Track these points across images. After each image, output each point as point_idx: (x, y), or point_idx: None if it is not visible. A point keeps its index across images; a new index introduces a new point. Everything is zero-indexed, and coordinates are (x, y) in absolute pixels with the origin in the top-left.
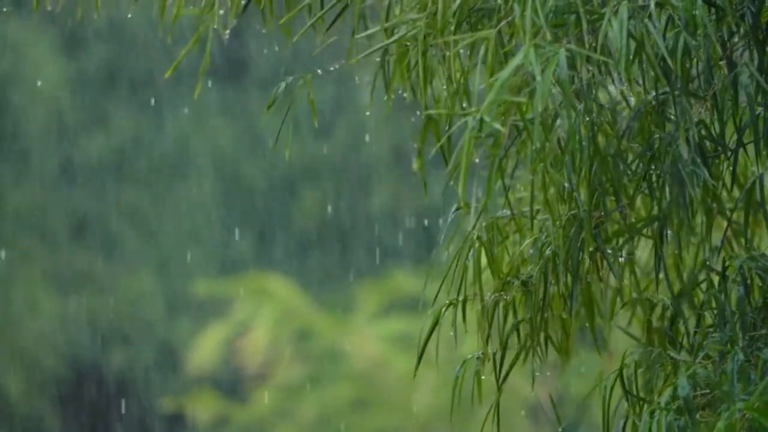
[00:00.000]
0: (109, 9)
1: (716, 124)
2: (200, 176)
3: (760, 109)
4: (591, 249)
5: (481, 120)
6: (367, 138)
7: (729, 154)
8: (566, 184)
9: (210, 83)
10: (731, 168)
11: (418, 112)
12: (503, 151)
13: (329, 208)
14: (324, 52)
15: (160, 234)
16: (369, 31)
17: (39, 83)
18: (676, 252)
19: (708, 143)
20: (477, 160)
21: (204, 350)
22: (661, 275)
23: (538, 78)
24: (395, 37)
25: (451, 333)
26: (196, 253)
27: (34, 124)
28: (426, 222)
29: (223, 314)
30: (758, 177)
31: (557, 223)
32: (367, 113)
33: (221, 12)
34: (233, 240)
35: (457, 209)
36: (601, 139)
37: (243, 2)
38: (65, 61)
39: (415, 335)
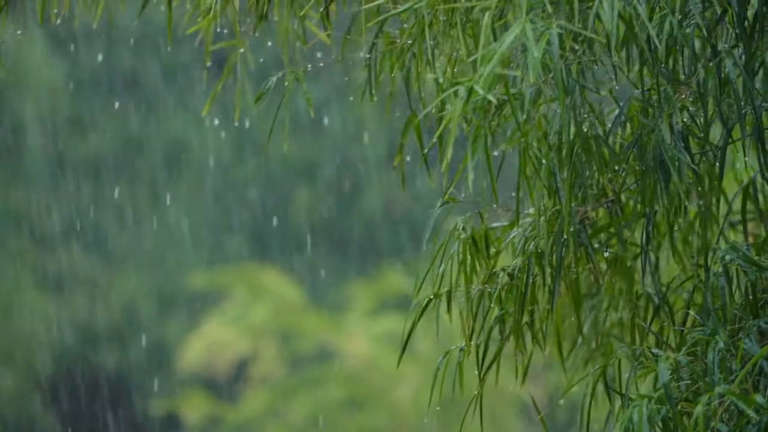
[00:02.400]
0: (104, 11)
1: (701, 119)
2: (194, 174)
3: (748, 108)
4: (573, 246)
5: (471, 89)
6: (361, 136)
7: (716, 150)
8: (544, 161)
9: (204, 80)
10: (719, 164)
11: (397, 115)
12: (487, 123)
13: (323, 206)
14: (317, 49)
15: (152, 233)
16: (376, 2)
17: (31, 82)
18: (664, 246)
19: (694, 140)
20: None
21: (195, 351)
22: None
23: (533, 50)
24: (403, 8)
25: (439, 326)
26: (189, 252)
27: (26, 123)
28: (420, 221)
29: (215, 315)
30: (751, 179)
31: (542, 218)
32: (351, 98)
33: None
34: (226, 240)
35: (444, 204)
36: (585, 122)
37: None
38: (57, 60)
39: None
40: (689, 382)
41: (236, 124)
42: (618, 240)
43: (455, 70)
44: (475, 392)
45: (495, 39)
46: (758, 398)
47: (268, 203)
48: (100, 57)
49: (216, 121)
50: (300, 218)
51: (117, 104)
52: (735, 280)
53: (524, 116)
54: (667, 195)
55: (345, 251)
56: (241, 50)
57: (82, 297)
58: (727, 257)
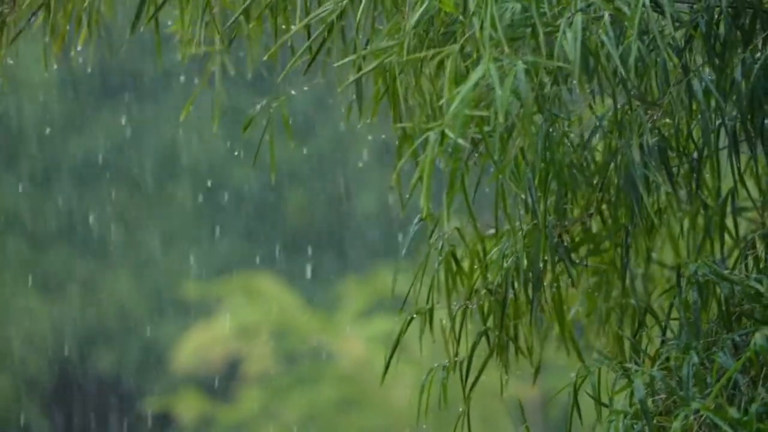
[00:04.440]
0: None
1: (679, 133)
2: (187, 177)
3: (718, 121)
4: (548, 259)
5: (443, 133)
6: (353, 138)
7: (693, 163)
8: (523, 196)
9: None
10: (701, 176)
11: (384, 136)
12: (463, 165)
13: (316, 209)
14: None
15: (146, 235)
16: (346, 59)
17: (25, 84)
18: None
19: (671, 153)
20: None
21: (190, 350)
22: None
23: (498, 90)
24: (371, 66)
25: (433, 330)
26: (184, 253)
27: (20, 125)
28: (413, 222)
29: (209, 315)
30: (731, 191)
31: (519, 233)
32: (343, 125)
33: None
34: (220, 241)
35: (420, 221)
36: (558, 149)
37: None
38: (51, 63)
39: (407, 335)
40: (665, 396)
41: (215, 129)
42: (612, 248)
43: (430, 98)
44: (471, 396)
45: (463, 80)
46: (733, 413)
47: (263, 204)
48: (96, 60)
49: (209, 125)
50: (295, 219)
51: (112, 107)
52: (713, 293)
53: (498, 154)
54: (640, 213)
55: (339, 252)
56: (213, 60)
57: (77, 298)
58: (700, 271)
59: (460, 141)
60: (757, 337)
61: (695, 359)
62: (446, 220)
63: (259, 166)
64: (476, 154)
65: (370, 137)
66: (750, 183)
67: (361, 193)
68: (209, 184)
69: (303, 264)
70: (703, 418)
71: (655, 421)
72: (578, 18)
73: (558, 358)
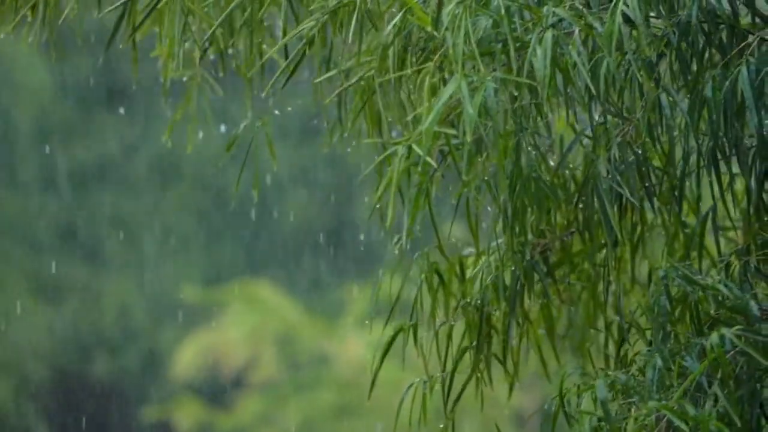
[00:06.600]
0: (93, 17)
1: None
2: (188, 183)
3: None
4: (523, 281)
5: (410, 148)
6: (352, 142)
7: (665, 178)
8: (489, 209)
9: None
10: (686, 192)
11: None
12: (428, 180)
13: (316, 215)
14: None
15: (145, 241)
16: (328, 74)
17: (24, 89)
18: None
19: (654, 169)
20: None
21: (188, 358)
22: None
23: (467, 108)
24: (352, 81)
25: (425, 347)
26: (183, 260)
27: (19, 129)
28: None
29: (209, 322)
30: (711, 208)
31: (496, 254)
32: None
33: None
34: (219, 247)
35: (399, 240)
36: (532, 165)
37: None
38: (51, 67)
39: (402, 341)
40: (637, 400)
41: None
42: (590, 264)
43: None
44: (477, 402)
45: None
46: (690, 410)
47: (263, 209)
48: (92, 65)
49: (207, 130)
50: (295, 224)
51: (112, 112)
52: (685, 299)
53: (467, 168)
54: (606, 226)
55: (340, 257)
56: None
57: (76, 305)
58: (669, 276)
59: (428, 159)
60: (713, 337)
61: (659, 362)
62: (410, 231)
63: (260, 171)
64: (443, 164)
65: (372, 153)
66: (728, 198)
67: (361, 198)
68: (209, 190)
69: (303, 270)
70: (665, 419)
71: (626, 424)
72: (548, 34)
73: (555, 366)
